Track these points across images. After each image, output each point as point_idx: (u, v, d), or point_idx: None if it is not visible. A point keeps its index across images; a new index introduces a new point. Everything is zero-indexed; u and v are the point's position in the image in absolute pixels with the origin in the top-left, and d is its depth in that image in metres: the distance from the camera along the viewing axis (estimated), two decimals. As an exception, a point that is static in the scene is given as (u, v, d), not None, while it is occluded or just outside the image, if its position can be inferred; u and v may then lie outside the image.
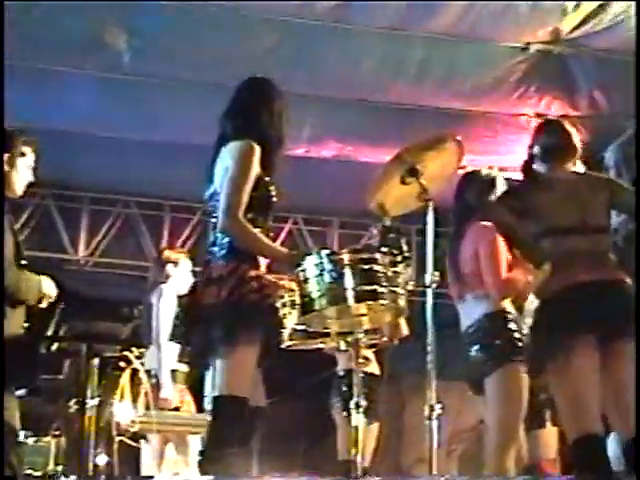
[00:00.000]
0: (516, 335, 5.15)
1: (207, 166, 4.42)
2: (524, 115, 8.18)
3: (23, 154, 4.93)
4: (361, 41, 7.30)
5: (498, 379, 5.12)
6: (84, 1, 6.74)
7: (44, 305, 4.75)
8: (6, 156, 4.87)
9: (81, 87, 7.64)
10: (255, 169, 4.22)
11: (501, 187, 5.54)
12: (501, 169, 8.87)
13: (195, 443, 6.44)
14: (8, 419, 4.59)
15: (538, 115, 8.12)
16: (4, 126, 5.04)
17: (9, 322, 4.60)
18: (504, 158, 8.81)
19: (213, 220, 4.34)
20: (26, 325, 4.71)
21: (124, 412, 5.95)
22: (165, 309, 6.64)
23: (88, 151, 8.56)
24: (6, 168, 4.86)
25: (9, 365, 4.55)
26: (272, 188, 4.31)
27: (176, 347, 6.49)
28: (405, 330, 6.71)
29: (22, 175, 4.94)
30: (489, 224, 5.31)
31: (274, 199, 4.33)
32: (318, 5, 6.79)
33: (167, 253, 7.24)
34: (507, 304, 5.24)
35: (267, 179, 4.29)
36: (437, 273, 4.48)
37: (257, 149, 4.25)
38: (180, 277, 6.90)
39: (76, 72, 7.47)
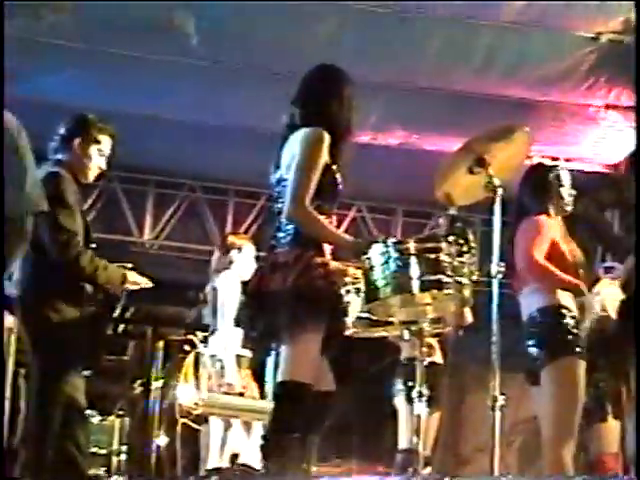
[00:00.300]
0: (572, 330, 5.11)
1: (275, 152, 4.42)
2: (593, 106, 8.10)
3: (97, 141, 4.99)
4: (428, 28, 7.27)
5: (552, 373, 5.09)
6: None
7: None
8: (77, 141, 4.93)
9: (149, 71, 7.70)
10: (324, 157, 4.22)
11: (565, 181, 5.48)
12: (567, 160, 8.86)
13: (258, 428, 6.48)
14: (76, 398, 4.67)
15: (607, 106, 8.04)
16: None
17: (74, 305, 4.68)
18: (571, 149, 8.74)
19: (278, 206, 4.33)
20: (93, 308, 4.77)
21: (187, 395, 6.01)
22: (230, 294, 6.67)
23: (155, 134, 8.64)
24: (77, 152, 4.92)
25: (76, 346, 4.63)
26: (339, 176, 4.31)
27: (240, 332, 6.52)
28: (469, 318, 6.69)
29: (93, 162, 5.00)
30: (537, 218, 5.28)
31: (340, 187, 4.33)
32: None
33: (231, 239, 7.27)
34: (565, 299, 5.19)
35: (334, 167, 4.29)
36: (502, 264, 4.45)
37: (327, 137, 4.24)
38: (244, 263, 6.92)
39: (144, 56, 7.53)
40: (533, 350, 5.15)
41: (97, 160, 4.99)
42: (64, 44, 7.27)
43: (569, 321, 5.11)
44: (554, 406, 5.11)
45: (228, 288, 6.74)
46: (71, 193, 4.77)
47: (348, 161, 4.38)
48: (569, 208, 5.46)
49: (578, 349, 5.06)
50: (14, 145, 3.53)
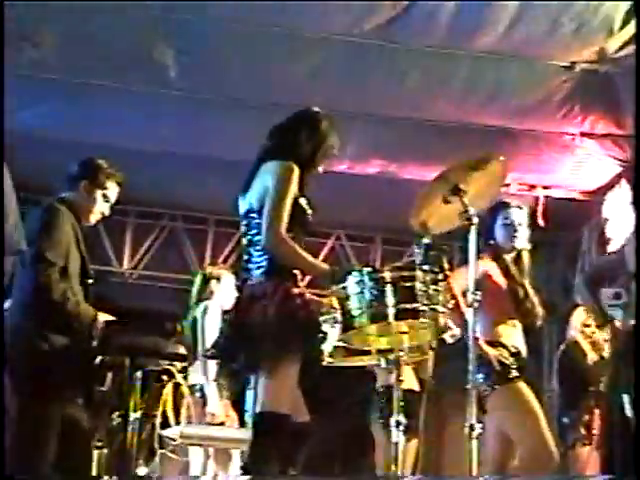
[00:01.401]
0: (506, 361, 5.24)
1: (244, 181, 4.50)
2: (568, 134, 8.16)
3: (104, 187, 5.04)
4: (407, 59, 7.32)
5: (493, 402, 5.18)
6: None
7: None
8: (84, 182, 4.98)
9: (129, 102, 7.74)
10: (294, 189, 4.28)
11: (516, 220, 5.54)
12: (544, 187, 8.92)
13: (237, 457, 6.47)
14: (74, 427, 4.70)
15: (582, 134, 8.10)
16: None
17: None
18: (547, 177, 8.80)
19: (248, 237, 4.40)
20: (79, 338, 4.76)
21: (166, 425, 6.00)
22: (210, 324, 6.68)
23: (133, 165, 8.62)
24: (83, 193, 4.97)
25: (66, 375, 4.63)
26: (307, 207, 4.38)
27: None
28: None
29: (97, 206, 5.05)
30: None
31: (310, 218, 4.39)
32: (366, 24, 6.83)
33: (210, 269, 7.30)
34: (503, 332, 5.29)
35: (302, 199, 4.35)
36: (479, 292, 4.47)
37: (296, 170, 4.31)
38: (223, 292, 6.94)
39: (124, 87, 7.56)
40: (479, 381, 5.20)
41: (101, 205, 5.06)
42: (45, 77, 7.29)
43: (504, 353, 5.25)
44: (513, 431, 5.20)
45: (210, 318, 6.75)
46: (63, 225, 4.78)
47: (313, 192, 4.44)
48: (519, 244, 5.54)
49: (513, 376, 5.22)
50: None
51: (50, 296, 4.60)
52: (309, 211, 4.38)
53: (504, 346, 5.30)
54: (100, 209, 5.06)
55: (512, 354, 5.30)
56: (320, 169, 4.56)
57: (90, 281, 4.88)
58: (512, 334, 5.36)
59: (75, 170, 5.06)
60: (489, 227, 5.55)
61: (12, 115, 7.18)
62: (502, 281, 5.41)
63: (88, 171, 5.04)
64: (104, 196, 5.05)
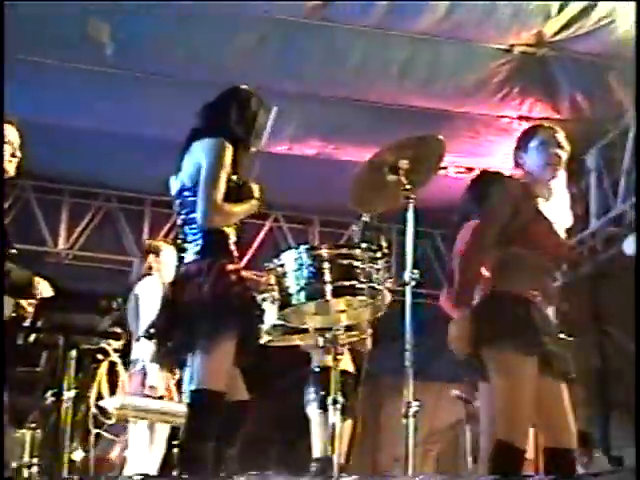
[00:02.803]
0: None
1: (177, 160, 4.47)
2: (506, 117, 8.21)
3: (6, 137, 4.90)
4: (345, 40, 7.33)
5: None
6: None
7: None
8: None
9: (64, 80, 7.63)
10: (227, 166, 4.26)
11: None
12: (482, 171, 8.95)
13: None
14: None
15: (520, 118, 8.15)
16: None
17: None
18: (485, 159, 8.84)
19: (182, 217, 4.36)
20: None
21: (101, 404, 5.94)
22: (151, 300, 6.60)
23: (69, 144, 8.55)
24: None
25: None
26: (241, 184, 4.34)
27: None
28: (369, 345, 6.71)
29: (7, 156, 4.91)
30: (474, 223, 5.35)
31: (242, 196, 4.36)
32: (302, 3, 6.81)
33: (148, 242, 7.23)
34: None
35: (235, 176, 4.31)
36: (416, 271, 4.45)
37: (229, 147, 4.28)
38: (164, 266, 6.84)
39: (59, 64, 7.46)
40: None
41: (11, 152, 4.91)
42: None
43: None
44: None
45: (149, 294, 6.67)
46: None
47: (247, 171, 4.42)
48: None
49: None
50: None
51: None
52: (243, 187, 4.34)
53: None
54: (10, 153, 4.91)
55: None
56: (253, 149, 4.53)
57: (13, 251, 4.77)
58: None
59: None
60: (484, 198, 5.52)
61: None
62: None
63: None
64: (8, 142, 4.86)
